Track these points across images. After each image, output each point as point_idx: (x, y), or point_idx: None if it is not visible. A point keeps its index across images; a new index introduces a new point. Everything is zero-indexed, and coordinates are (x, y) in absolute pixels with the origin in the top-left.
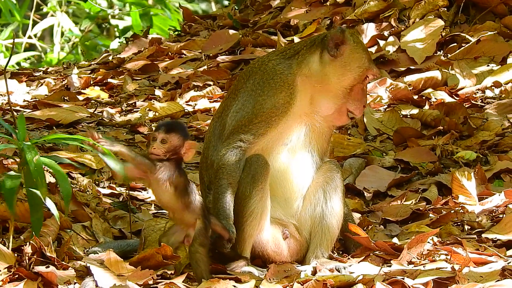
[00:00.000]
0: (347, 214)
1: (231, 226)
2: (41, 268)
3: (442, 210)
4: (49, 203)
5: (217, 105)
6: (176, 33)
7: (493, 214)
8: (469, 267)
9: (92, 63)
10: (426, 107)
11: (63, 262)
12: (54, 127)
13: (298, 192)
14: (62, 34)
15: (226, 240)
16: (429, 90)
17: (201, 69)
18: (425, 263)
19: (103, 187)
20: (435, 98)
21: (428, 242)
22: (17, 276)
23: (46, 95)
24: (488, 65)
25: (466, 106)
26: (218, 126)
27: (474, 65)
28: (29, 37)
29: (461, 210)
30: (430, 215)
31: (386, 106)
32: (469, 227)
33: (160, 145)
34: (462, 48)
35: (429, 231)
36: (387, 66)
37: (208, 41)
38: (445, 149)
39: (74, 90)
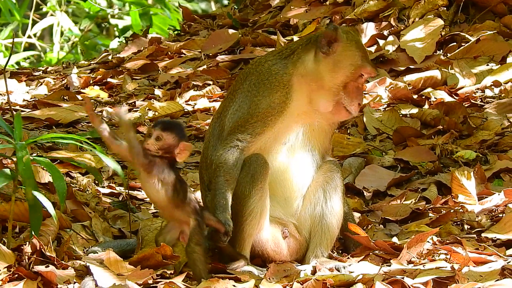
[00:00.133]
0: (347, 214)
1: (227, 219)
2: (40, 268)
3: (442, 210)
4: (47, 203)
5: (216, 104)
6: (176, 32)
7: (493, 213)
8: (468, 266)
9: (92, 62)
10: (426, 106)
11: (63, 262)
12: (54, 127)
13: (298, 191)
14: (62, 33)
15: (222, 234)
16: (429, 89)
17: (201, 68)
18: (425, 263)
19: (103, 187)
20: (434, 98)
21: (428, 241)
22: (16, 275)
23: (45, 94)
24: (487, 65)
25: (466, 105)
26: (217, 127)
27: (473, 64)
28: (29, 37)
29: (460, 210)
30: (430, 214)
31: (385, 105)
32: (468, 227)
33: (154, 142)
34: (462, 47)
35: (429, 231)
36: (387, 65)
37: (207, 40)
38: (445, 148)
39: (74, 89)
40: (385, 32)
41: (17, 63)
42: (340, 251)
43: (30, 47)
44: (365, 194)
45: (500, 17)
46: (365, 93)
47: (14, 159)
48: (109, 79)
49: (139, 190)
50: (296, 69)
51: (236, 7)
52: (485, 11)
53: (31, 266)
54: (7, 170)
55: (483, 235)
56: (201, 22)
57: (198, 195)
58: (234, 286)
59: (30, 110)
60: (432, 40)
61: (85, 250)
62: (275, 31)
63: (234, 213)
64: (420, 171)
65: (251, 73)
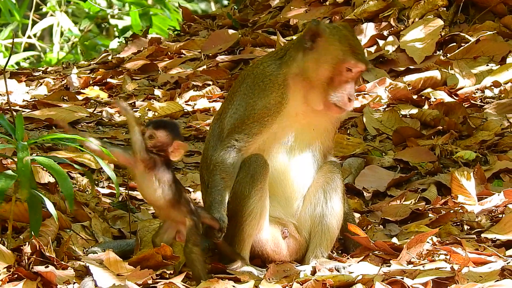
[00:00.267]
0: (348, 214)
1: (222, 215)
2: (40, 268)
3: (442, 210)
4: (48, 203)
5: (216, 104)
6: (176, 32)
7: (493, 214)
8: (468, 267)
9: (92, 63)
10: (426, 107)
11: (63, 262)
12: (54, 127)
13: (298, 191)
14: (62, 34)
15: (217, 230)
16: (429, 89)
17: (201, 68)
18: (425, 263)
19: (103, 187)
20: (434, 98)
21: (428, 242)
22: (16, 276)
23: (45, 95)
24: (487, 65)
25: (466, 106)
26: (217, 128)
27: (473, 64)
28: (29, 37)
29: (460, 210)
30: (430, 215)
31: (385, 106)
32: (468, 227)
33: (148, 140)
34: (462, 47)
35: (429, 231)
36: (387, 65)
37: (207, 40)
38: (445, 149)
39: (74, 90)
40: (385, 33)
41: (17, 63)
42: (340, 252)
43: (30, 47)
44: (364, 194)
45: (500, 18)
46: (365, 94)
47: (15, 159)
48: (109, 80)
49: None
50: (289, 68)
51: (236, 8)
52: (485, 11)
53: (30, 266)
54: (9, 172)
55: (482, 235)
56: (201, 22)
57: (198, 195)
58: (233, 286)
59: (30, 110)
60: (432, 41)
61: (84, 251)
62: (275, 32)
63: (233, 213)
64: (420, 171)
65: (247, 76)
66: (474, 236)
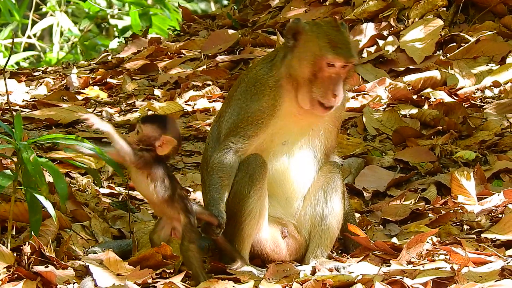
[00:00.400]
0: (348, 213)
1: (220, 212)
2: (40, 268)
3: (441, 210)
4: (46, 203)
5: (216, 104)
6: (175, 32)
7: (492, 214)
8: (468, 267)
9: (91, 63)
10: (425, 107)
11: (62, 262)
12: (53, 127)
13: (298, 191)
14: (61, 33)
15: (215, 226)
16: (428, 90)
17: (200, 68)
18: (424, 263)
19: (102, 187)
20: (434, 98)
21: (427, 242)
22: (16, 275)
23: (45, 95)
24: (487, 65)
25: (466, 106)
26: (216, 130)
27: (473, 64)
28: (28, 37)
29: (460, 210)
30: (429, 215)
31: (385, 106)
32: (468, 227)
33: (135, 134)
34: (462, 47)
35: (428, 231)
36: (386, 65)
37: (207, 40)
38: (444, 149)
39: (73, 89)
40: (385, 33)
41: (17, 63)
42: (340, 252)
43: (30, 47)
44: (364, 194)
45: (500, 18)
46: (364, 94)
47: (14, 159)
48: (108, 79)
49: None
50: (279, 70)
51: (235, 8)
52: (484, 11)
53: (30, 266)
54: (8, 171)
55: (482, 235)
56: (200, 22)
57: (198, 195)
58: (233, 286)
59: (30, 110)
60: (432, 41)
61: (84, 251)
62: (275, 32)
63: (233, 213)
64: (420, 171)
65: (242, 80)
66: (474, 236)
